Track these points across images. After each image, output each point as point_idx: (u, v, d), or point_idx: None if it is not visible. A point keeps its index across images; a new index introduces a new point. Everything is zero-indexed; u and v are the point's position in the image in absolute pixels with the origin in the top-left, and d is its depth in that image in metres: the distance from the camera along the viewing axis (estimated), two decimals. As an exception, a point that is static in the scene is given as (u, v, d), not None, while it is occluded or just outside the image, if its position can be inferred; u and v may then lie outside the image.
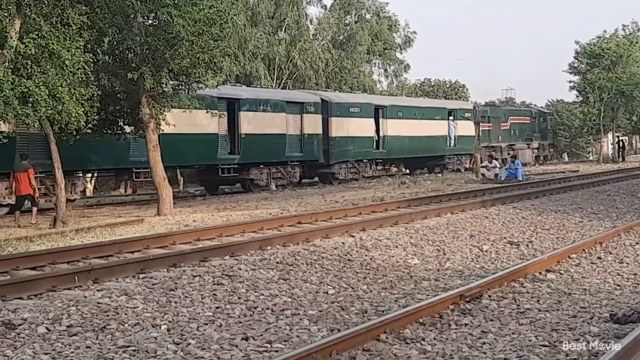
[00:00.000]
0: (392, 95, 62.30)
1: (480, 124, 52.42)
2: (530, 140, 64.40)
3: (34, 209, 23.96)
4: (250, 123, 36.00)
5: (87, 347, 8.62)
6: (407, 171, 50.72)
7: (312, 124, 39.87)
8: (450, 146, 52.15)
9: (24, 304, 10.85)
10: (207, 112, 29.51)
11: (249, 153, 35.70)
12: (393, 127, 45.89)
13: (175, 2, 22.60)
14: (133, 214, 25.40)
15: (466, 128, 52.64)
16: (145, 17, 23.89)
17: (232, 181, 37.60)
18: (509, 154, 56.48)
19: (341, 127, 41.65)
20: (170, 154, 28.46)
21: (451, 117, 52.61)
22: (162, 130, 25.61)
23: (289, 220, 20.49)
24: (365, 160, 44.32)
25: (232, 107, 35.26)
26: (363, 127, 43.51)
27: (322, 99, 41.22)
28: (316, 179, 42.87)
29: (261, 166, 37.12)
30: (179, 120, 28.91)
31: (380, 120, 45.30)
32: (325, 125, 40.76)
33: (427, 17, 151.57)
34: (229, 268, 13.33)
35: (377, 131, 45.10)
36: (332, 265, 13.95)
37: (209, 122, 32.69)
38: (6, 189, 25.20)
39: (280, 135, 37.71)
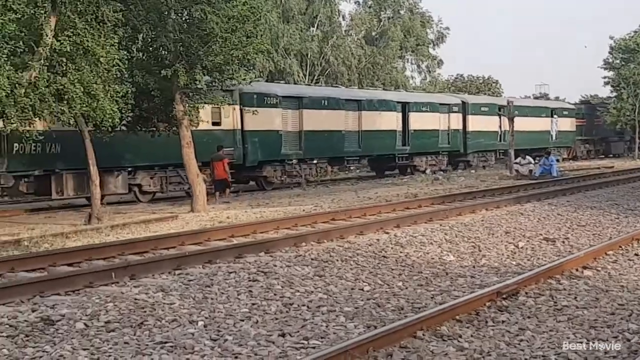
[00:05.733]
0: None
1: (575, 119, 62.81)
2: (621, 135, 68.99)
3: (227, 190, 29.52)
4: (417, 121, 44.92)
5: (125, 343, 8.65)
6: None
7: (455, 121, 48.67)
8: (553, 139, 58.80)
9: (62, 300, 10.92)
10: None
11: (415, 144, 44.68)
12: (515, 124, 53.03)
13: (209, -1, 22.68)
14: (167, 210, 25.46)
15: (565, 124, 60.85)
16: (179, 14, 23.92)
17: (399, 167, 45.34)
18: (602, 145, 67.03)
19: (475, 124, 50.30)
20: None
21: (555, 116, 59.70)
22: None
23: (322, 217, 20.48)
24: (490, 151, 52.79)
25: (405, 109, 44.40)
26: (490, 124, 51.88)
27: (462, 101, 50.47)
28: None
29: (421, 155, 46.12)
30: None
31: (502, 118, 51.49)
32: (464, 122, 49.55)
33: (460, 13, 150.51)
34: (264, 264, 13.34)
35: (500, 127, 52.43)
36: (367, 262, 13.90)
37: (390, 120, 42.83)
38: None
39: (436, 131, 46.71)
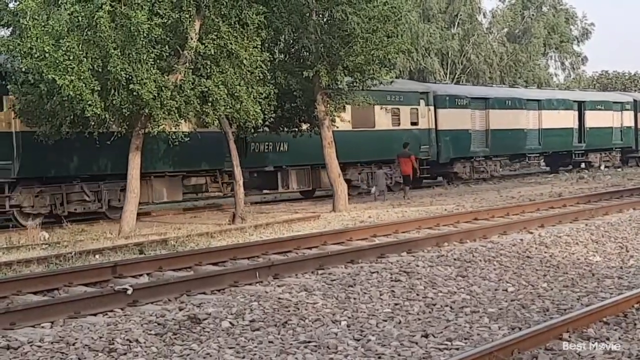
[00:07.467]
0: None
1: None
2: None
3: (407, 187, 30.82)
4: (593, 119, 47.51)
5: (269, 342, 8.74)
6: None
7: (628, 118, 51.08)
8: None
9: (208, 298, 11.14)
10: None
11: (590, 141, 47.27)
12: None
13: (350, -1, 22.81)
14: (309, 210, 25.71)
15: None
16: (320, 16, 24.15)
17: (573, 164, 47.83)
18: None
19: None
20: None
21: None
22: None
23: (465, 217, 20.31)
24: None
25: (581, 107, 47.07)
26: None
27: (634, 99, 52.69)
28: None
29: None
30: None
31: None
32: (635, 119, 51.83)
33: (606, 6, 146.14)
34: (406, 264, 13.28)
35: None
36: (510, 262, 13.68)
37: (568, 118, 45.73)
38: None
39: (609, 128, 49.22)
